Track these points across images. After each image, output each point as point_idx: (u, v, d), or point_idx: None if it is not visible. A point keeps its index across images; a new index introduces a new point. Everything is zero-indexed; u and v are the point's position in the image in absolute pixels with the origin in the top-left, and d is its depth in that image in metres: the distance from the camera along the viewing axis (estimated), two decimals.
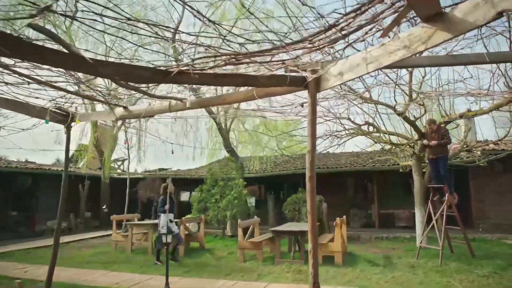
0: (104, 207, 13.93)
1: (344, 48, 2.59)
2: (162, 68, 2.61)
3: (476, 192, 12.05)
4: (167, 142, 8.74)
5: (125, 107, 4.62)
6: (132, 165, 22.53)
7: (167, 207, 7.28)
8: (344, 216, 8.42)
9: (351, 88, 7.14)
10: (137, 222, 9.17)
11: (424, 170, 9.12)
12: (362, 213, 13.86)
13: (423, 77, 7.16)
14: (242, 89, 3.79)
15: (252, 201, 12.32)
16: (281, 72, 3.31)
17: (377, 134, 9.26)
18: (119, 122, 15.66)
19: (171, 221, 7.63)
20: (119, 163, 22.42)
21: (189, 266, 7.40)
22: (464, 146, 9.20)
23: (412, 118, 7.90)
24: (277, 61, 2.54)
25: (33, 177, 14.20)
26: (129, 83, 3.07)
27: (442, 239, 7.18)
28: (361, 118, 10.98)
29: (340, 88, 6.18)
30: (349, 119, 8.71)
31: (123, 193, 13.99)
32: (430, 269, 6.66)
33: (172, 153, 8.95)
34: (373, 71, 2.98)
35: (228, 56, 2.38)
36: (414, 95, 7.04)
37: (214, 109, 12.37)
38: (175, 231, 7.74)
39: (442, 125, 7.90)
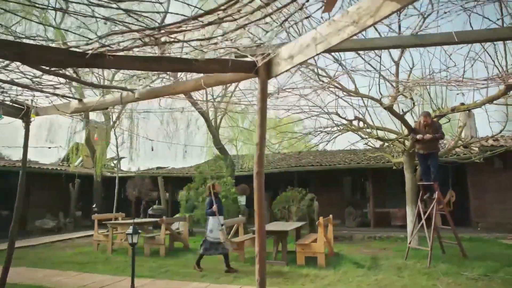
0: (94, 206, 13.72)
1: (281, 24, 2.26)
2: (75, 49, 2.30)
3: (474, 190, 11.61)
4: (149, 139, 8.49)
5: (79, 100, 4.35)
6: (128, 163, 22.29)
7: (215, 208, 6.55)
8: (331, 216, 8.07)
9: (329, 76, 6.81)
10: (117, 222, 8.91)
11: (417, 167, 8.73)
12: (357, 212, 13.48)
13: (411, 68, 6.78)
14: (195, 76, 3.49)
15: (242, 200, 12.00)
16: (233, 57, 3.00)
17: (368, 130, 8.91)
18: (111, 121, 15.48)
19: (222, 225, 6.73)
20: (115, 161, 22.23)
21: (166, 267, 7.12)
22: (459, 142, 8.78)
23: (401, 113, 7.52)
24: (200, 39, 2.22)
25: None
26: (54, 69, 2.77)
27: (431, 239, 6.81)
28: (347, 112, 10.56)
29: (316, 76, 5.87)
30: (337, 114, 8.39)
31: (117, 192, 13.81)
32: (418, 271, 6.30)
33: (152, 150, 8.70)
34: (322, 52, 2.66)
35: (142, 33, 2.06)
36: (398, 87, 6.66)
37: (203, 104, 12.10)
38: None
39: (435, 119, 7.52)
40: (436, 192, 7.07)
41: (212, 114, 12.03)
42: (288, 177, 13.64)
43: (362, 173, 13.73)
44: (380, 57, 5.76)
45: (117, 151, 12.81)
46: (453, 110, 7.49)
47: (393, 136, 8.83)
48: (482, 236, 9.82)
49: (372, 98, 6.73)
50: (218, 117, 12.21)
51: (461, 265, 6.46)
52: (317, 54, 2.70)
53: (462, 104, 7.73)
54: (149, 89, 3.71)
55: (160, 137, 12.82)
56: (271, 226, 8.00)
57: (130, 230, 5.23)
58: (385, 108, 6.98)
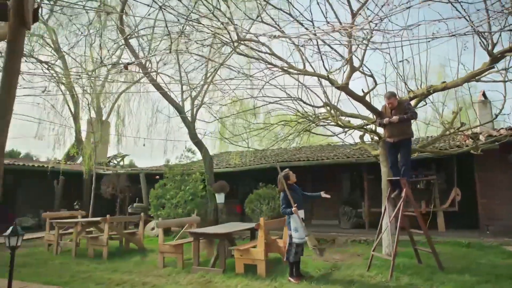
0: (75, 203, 13.40)
1: None
2: None
3: (483, 187, 9.99)
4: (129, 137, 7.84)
5: None
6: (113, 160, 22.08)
7: (295, 209, 5.28)
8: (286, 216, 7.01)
9: (274, 55, 5.81)
10: (61, 220, 8.30)
11: None
12: (352, 212, 12.16)
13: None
14: None
15: (220, 197, 11.12)
16: None
17: (346, 119, 7.78)
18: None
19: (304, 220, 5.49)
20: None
21: (94, 271, 6.40)
22: (447, 132, 7.35)
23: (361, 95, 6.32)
24: None
25: (14, 173, 13.93)
26: None
27: (394, 247, 5.61)
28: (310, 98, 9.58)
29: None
30: (300, 99, 7.35)
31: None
32: (371, 285, 5.15)
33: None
34: None
35: None
36: (352, 63, 5.48)
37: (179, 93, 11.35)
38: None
39: (404, 99, 6.26)
40: (404, 190, 5.83)
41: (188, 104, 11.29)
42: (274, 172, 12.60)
43: (360, 169, 12.40)
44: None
45: (95, 147, 12.26)
46: (429, 90, 6.18)
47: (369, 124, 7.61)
48: (486, 241, 8.29)
49: (318, 75, 5.61)
50: (195, 108, 11.41)
51: (428, 279, 5.22)
52: None
53: (443, 82, 6.42)
54: None
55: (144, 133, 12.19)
56: (220, 228, 7.08)
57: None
58: (338, 88, 5.82)
